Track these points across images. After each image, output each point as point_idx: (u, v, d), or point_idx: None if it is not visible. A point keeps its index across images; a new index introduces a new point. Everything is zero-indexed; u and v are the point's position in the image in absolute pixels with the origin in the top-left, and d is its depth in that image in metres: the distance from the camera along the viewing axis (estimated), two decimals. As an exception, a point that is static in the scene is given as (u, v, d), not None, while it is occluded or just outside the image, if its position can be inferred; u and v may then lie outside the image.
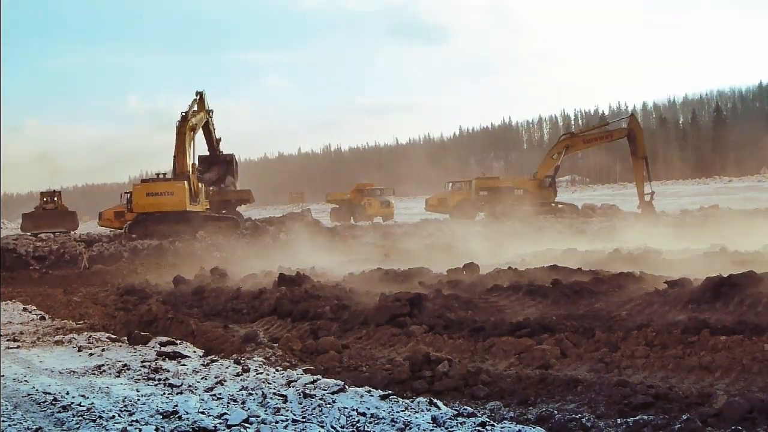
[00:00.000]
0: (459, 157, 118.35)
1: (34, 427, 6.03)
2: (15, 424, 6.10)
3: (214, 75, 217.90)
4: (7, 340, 10.92)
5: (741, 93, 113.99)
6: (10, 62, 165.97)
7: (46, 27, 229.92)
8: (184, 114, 31.76)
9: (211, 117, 34.51)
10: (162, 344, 9.91)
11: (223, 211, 33.77)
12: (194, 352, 9.45)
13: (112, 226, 32.93)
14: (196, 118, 32.28)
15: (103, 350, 9.79)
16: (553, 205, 39.13)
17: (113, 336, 10.90)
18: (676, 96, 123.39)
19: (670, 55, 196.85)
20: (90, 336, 10.92)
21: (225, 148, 36.61)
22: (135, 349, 9.81)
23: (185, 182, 30.26)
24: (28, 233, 34.75)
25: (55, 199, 41.14)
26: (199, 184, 31.69)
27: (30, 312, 14.45)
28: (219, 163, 35.91)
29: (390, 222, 42.19)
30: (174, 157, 31.39)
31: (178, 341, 10.17)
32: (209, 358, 8.91)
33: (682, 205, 43.47)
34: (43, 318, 13.53)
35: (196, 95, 33.11)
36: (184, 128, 31.24)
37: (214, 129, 34.93)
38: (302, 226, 31.95)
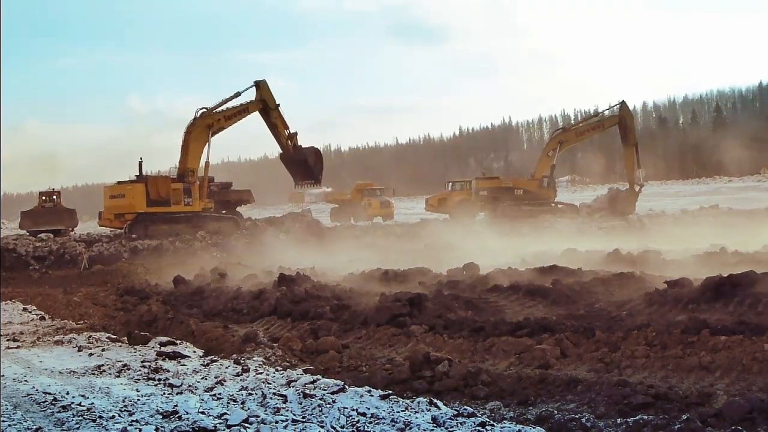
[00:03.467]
0: (459, 157, 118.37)
1: (34, 427, 6.04)
2: (15, 424, 6.10)
3: (214, 75, 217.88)
4: (7, 340, 10.93)
5: (741, 93, 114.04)
6: (11, 62, 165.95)
7: (46, 27, 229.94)
8: (204, 110, 31.26)
9: (274, 109, 32.29)
10: (162, 344, 9.91)
11: (223, 211, 33.71)
12: (194, 352, 9.46)
13: (112, 226, 32.80)
14: (220, 114, 31.42)
15: (103, 350, 9.80)
16: (553, 205, 39.11)
17: (113, 336, 10.90)
18: (676, 96, 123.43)
19: (670, 55, 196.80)
20: (90, 336, 10.92)
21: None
22: (135, 349, 9.81)
23: (140, 184, 30.16)
24: (27, 232, 34.70)
25: (55, 198, 41.02)
26: (180, 185, 31.17)
27: (30, 312, 14.45)
28: (296, 161, 33.59)
29: (390, 222, 42.17)
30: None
31: (178, 341, 10.17)
32: (209, 358, 8.91)
33: (682, 205, 43.46)
34: (43, 318, 13.53)
35: (255, 86, 31.86)
36: (191, 126, 30.96)
37: (282, 124, 32.73)
38: (302, 226, 31.93)
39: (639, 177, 37.73)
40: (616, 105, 37.71)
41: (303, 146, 33.85)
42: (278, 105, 32.84)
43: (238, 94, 32.04)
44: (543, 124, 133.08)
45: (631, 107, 42.48)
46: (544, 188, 38.84)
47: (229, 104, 32.04)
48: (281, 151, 33.88)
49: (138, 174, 30.90)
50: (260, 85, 32.25)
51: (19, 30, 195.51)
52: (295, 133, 33.68)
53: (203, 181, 31.67)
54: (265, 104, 32.34)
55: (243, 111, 32.49)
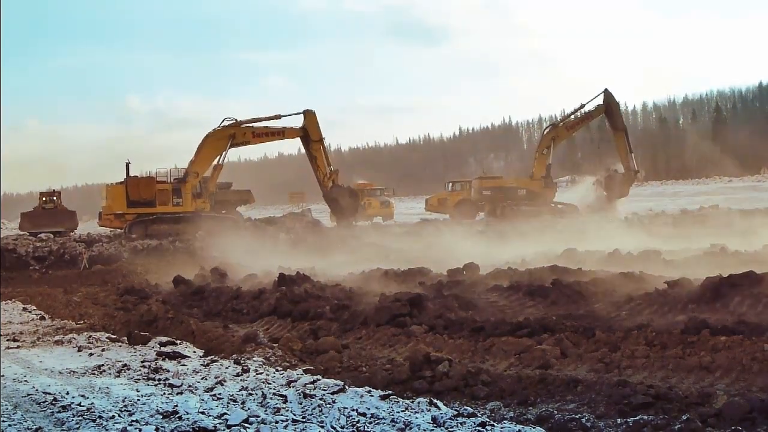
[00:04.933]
0: (459, 157, 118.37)
1: (34, 427, 6.04)
2: (15, 424, 6.10)
3: (214, 75, 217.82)
4: (7, 340, 10.93)
5: (741, 93, 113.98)
6: (11, 62, 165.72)
7: (46, 27, 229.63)
8: (232, 121, 31.56)
9: (316, 141, 32.10)
10: (162, 344, 9.91)
11: (223, 211, 33.74)
12: (194, 352, 9.46)
13: (112, 226, 32.86)
14: (247, 129, 31.56)
15: (103, 350, 9.80)
16: (553, 205, 39.16)
17: (113, 336, 10.90)
18: (676, 96, 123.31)
19: (670, 55, 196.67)
20: (90, 336, 10.92)
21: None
22: (135, 349, 9.81)
23: (121, 186, 30.67)
24: (27, 233, 34.68)
25: (55, 199, 40.97)
26: (168, 186, 31.47)
27: (30, 312, 14.45)
28: (330, 199, 33.69)
29: (390, 222, 42.17)
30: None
31: (178, 341, 10.17)
32: (209, 358, 8.91)
33: (682, 205, 43.46)
34: (43, 318, 13.53)
35: (305, 114, 32.05)
36: (212, 131, 31.25)
37: (322, 158, 32.54)
38: (302, 226, 31.93)
39: (632, 160, 38.48)
40: (600, 94, 38.05)
41: (341, 185, 33.92)
42: (322, 138, 32.82)
43: (278, 117, 32.14)
44: (543, 124, 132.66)
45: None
46: (545, 188, 39.02)
47: (266, 123, 32.26)
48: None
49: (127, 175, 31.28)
50: (306, 114, 32.36)
51: (19, 30, 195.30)
52: (336, 171, 33.62)
53: (207, 183, 31.84)
54: (307, 134, 32.39)
55: (277, 133, 32.64)
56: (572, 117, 39.84)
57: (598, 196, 39.01)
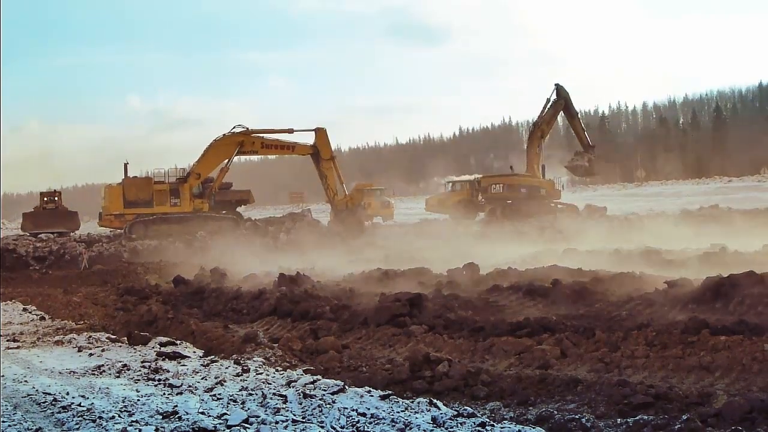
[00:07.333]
0: (459, 157, 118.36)
1: (34, 427, 6.04)
2: (15, 425, 6.10)
3: (215, 75, 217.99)
4: (7, 340, 10.92)
5: (741, 93, 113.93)
6: (11, 62, 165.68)
7: (47, 27, 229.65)
8: (243, 129, 31.61)
9: (326, 159, 32.05)
10: (162, 344, 9.91)
11: (224, 212, 33.78)
12: (194, 352, 9.45)
13: (112, 226, 32.91)
14: (257, 139, 31.62)
15: (103, 350, 9.79)
16: (552, 205, 39.26)
17: (113, 336, 10.90)
18: (676, 96, 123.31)
19: (670, 55, 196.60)
20: (90, 336, 10.91)
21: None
22: (135, 349, 9.81)
23: (118, 186, 31.13)
24: (28, 233, 34.70)
25: (56, 199, 41.00)
26: (166, 186, 31.63)
27: (30, 312, 14.44)
28: (339, 219, 33.59)
29: (390, 222, 42.19)
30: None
31: (178, 341, 10.17)
32: (209, 358, 8.91)
33: (682, 205, 43.45)
34: (43, 318, 13.52)
35: (316, 132, 31.96)
36: (220, 137, 31.33)
37: (334, 177, 32.45)
38: (302, 226, 31.96)
39: (587, 137, 41.17)
40: (553, 90, 39.59)
41: (353, 209, 34.06)
42: (334, 156, 32.77)
43: (290, 131, 32.17)
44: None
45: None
46: (555, 188, 39.74)
47: (277, 136, 32.35)
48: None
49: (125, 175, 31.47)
50: (318, 132, 32.32)
51: (19, 30, 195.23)
52: (351, 196, 33.92)
53: (211, 185, 31.93)
54: (317, 151, 32.30)
55: (287, 148, 32.82)
56: (545, 113, 40.70)
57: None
